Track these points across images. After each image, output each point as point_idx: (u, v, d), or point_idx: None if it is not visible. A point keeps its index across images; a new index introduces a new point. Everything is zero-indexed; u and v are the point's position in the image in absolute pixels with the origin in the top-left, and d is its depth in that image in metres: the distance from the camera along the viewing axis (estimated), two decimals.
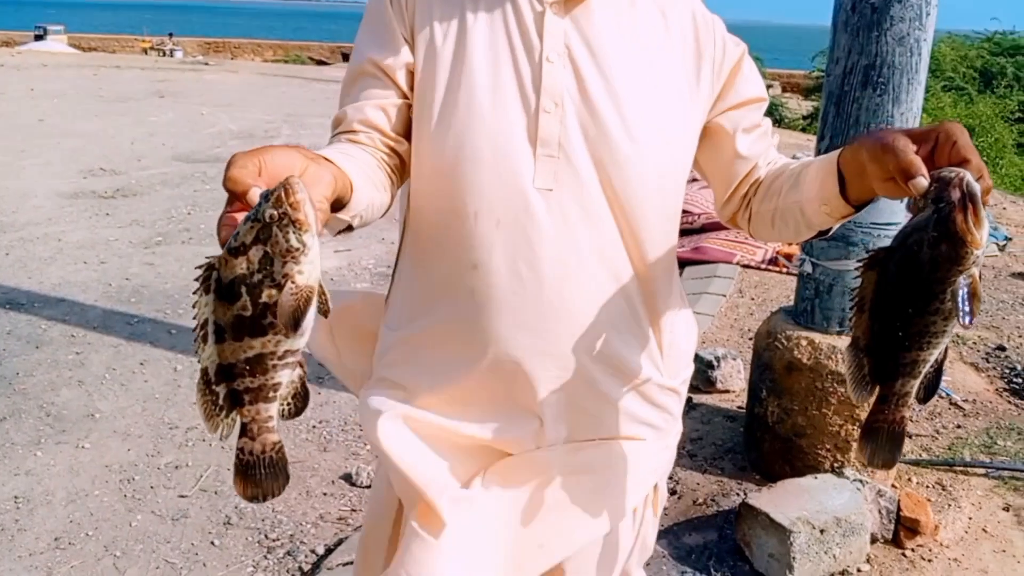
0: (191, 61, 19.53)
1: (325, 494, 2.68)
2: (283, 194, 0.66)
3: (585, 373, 1.07)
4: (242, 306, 0.69)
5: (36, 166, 7.13)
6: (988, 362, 3.78)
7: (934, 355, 0.82)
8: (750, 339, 3.51)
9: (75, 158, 7.51)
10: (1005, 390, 3.50)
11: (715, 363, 3.38)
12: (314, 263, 0.69)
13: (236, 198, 0.70)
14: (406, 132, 1.07)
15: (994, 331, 4.17)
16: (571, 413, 1.09)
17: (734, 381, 3.40)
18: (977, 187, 0.74)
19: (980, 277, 0.77)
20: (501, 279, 1.02)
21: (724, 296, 4.52)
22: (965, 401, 3.36)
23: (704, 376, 3.38)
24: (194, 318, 0.71)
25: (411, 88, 1.06)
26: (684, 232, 4.81)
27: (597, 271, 1.04)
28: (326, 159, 0.83)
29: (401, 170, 1.09)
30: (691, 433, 3.03)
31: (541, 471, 1.10)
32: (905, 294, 0.79)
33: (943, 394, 3.34)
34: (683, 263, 5.05)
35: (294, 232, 0.67)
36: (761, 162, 1.13)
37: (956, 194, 0.74)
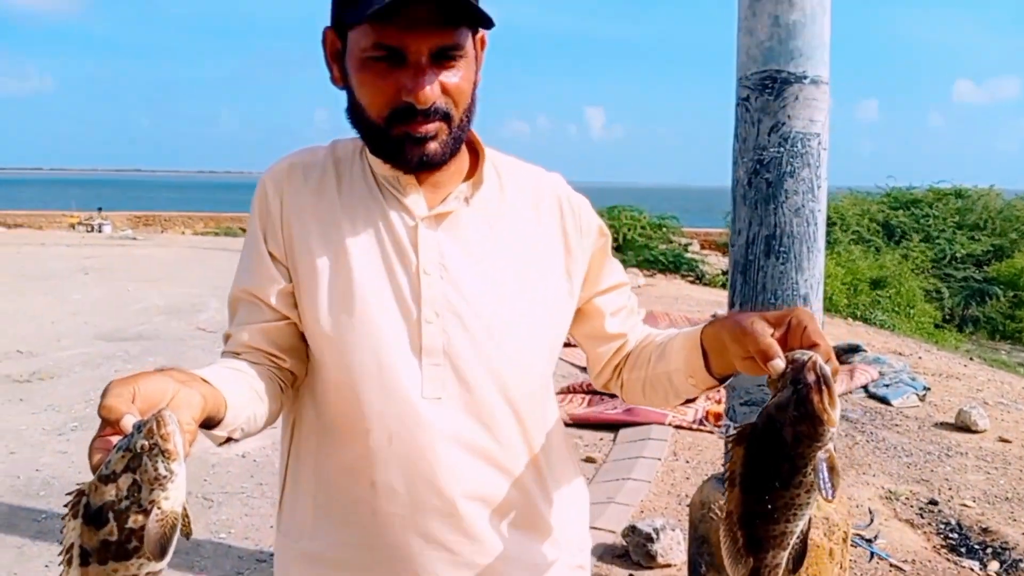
0: (119, 236, 19.49)
1: None
2: (154, 426, 0.71)
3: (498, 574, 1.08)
4: (109, 531, 0.71)
5: None
6: (923, 518, 3.78)
7: (800, 526, 0.86)
8: (687, 505, 3.45)
9: None
10: (943, 547, 3.48)
11: (654, 535, 3.29)
12: (180, 488, 0.73)
13: (109, 425, 0.73)
14: (288, 348, 1.08)
15: (924, 484, 4.20)
16: None
17: (675, 553, 3.29)
18: (828, 370, 0.81)
19: (835, 451, 0.83)
20: (401, 497, 1.03)
21: (659, 459, 4.48)
22: (905, 562, 3.32)
23: (644, 550, 3.27)
24: (59, 542, 0.73)
25: (292, 307, 1.07)
26: (613, 395, 4.82)
27: (494, 472, 1.06)
28: (202, 379, 0.86)
29: (292, 379, 1.09)
30: None
31: None
32: (771, 469, 0.84)
33: (881, 557, 3.30)
34: (616, 425, 5.03)
35: (163, 461, 0.71)
36: (630, 337, 1.20)
37: (811, 377, 0.80)
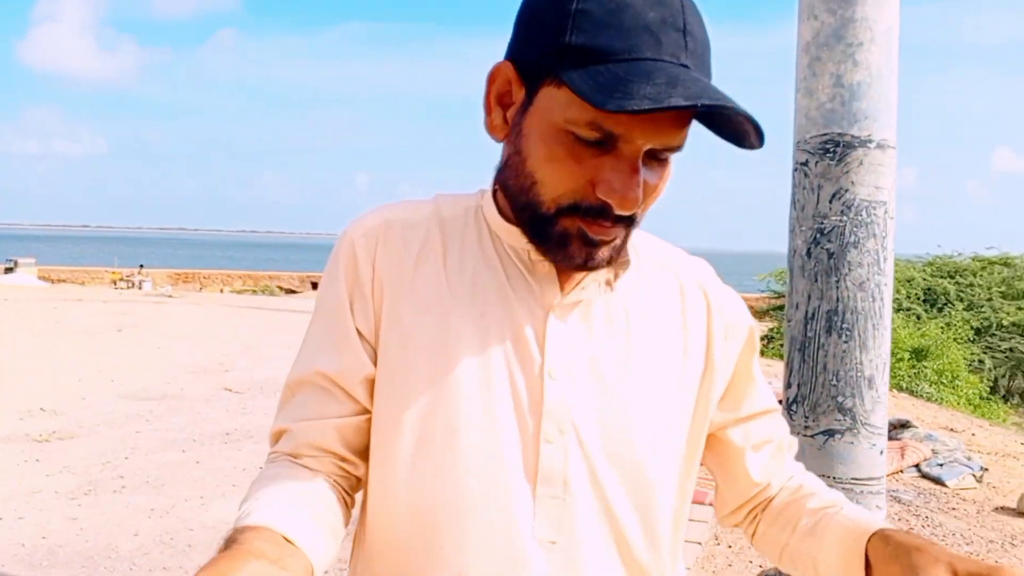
0: (156, 293, 19.68)
1: None
2: None
3: None
4: None
5: None
6: None
7: None
8: None
9: (14, 398, 7.17)
10: None
11: None
12: None
13: None
14: (363, 449, 0.87)
15: None
16: None
17: None
18: None
19: None
20: None
21: (700, 544, 4.20)
22: None
23: None
24: None
25: (371, 398, 0.86)
26: None
27: None
28: (286, 540, 0.72)
29: (357, 487, 0.89)
30: None
31: None
32: None
33: None
34: None
35: None
36: (775, 481, 0.97)
37: None
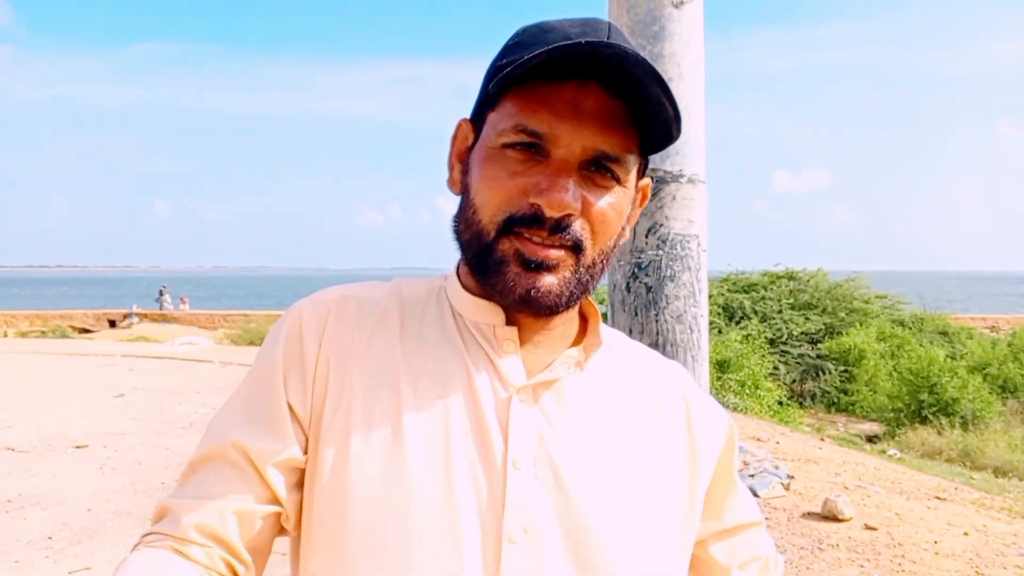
0: None
1: None
2: None
3: None
4: None
5: None
6: None
7: None
8: None
9: None
10: None
11: None
12: None
13: None
14: (258, 549, 0.76)
15: None
16: None
17: None
18: None
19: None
20: None
21: None
22: None
23: None
24: None
25: (294, 489, 0.77)
26: None
27: None
28: None
29: None
30: None
31: None
32: None
33: None
34: None
35: None
36: None
37: None
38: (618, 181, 0.76)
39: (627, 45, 0.70)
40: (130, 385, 10.83)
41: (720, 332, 15.07)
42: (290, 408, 0.77)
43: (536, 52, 0.68)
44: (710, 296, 16.72)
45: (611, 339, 0.88)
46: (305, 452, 0.77)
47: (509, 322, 0.80)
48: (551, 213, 0.72)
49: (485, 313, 0.80)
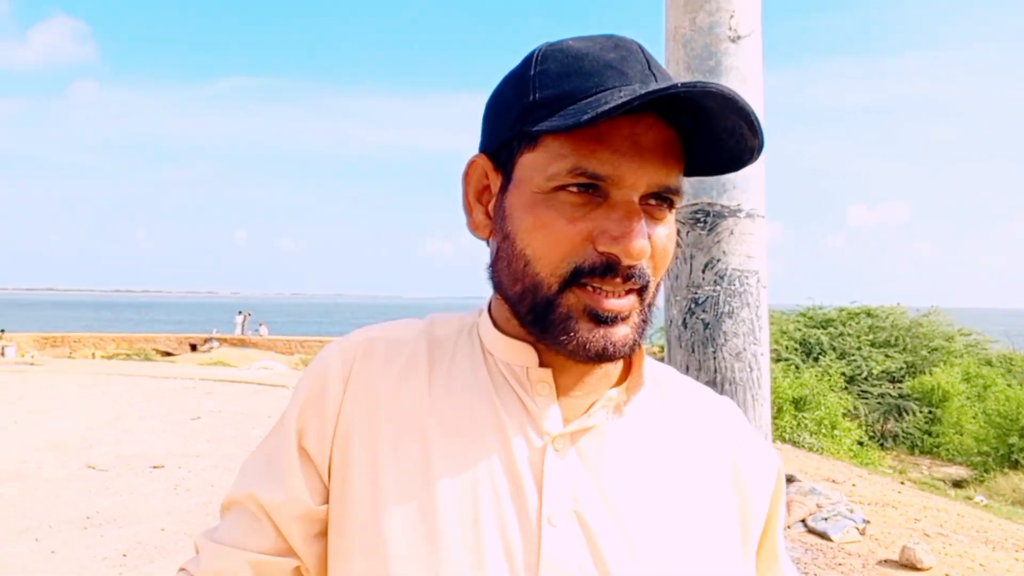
0: (21, 359, 18.33)
1: None
2: None
3: None
4: None
5: None
6: None
7: None
8: None
9: None
10: None
11: None
12: None
13: None
14: None
15: None
16: None
17: None
18: None
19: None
20: None
21: None
22: None
23: None
24: None
25: (312, 540, 0.75)
26: None
27: None
28: None
29: None
30: None
31: None
32: None
33: None
34: None
35: None
36: None
37: None
38: (671, 208, 0.73)
39: (709, 82, 0.64)
40: (207, 408, 11.14)
41: (797, 369, 14.64)
42: (308, 457, 0.76)
43: (627, 99, 0.62)
44: (785, 331, 16.30)
45: (659, 375, 0.82)
46: (325, 502, 0.75)
47: (543, 363, 0.75)
48: (628, 262, 0.68)
49: (517, 354, 0.75)
